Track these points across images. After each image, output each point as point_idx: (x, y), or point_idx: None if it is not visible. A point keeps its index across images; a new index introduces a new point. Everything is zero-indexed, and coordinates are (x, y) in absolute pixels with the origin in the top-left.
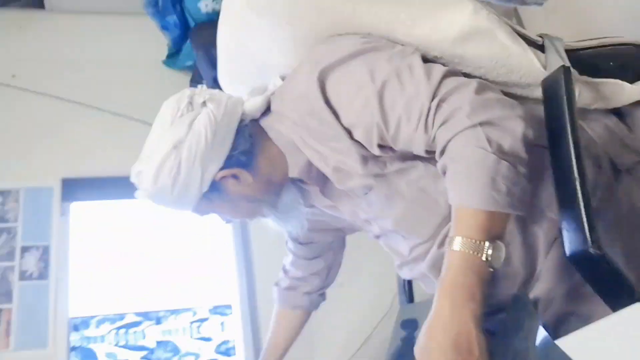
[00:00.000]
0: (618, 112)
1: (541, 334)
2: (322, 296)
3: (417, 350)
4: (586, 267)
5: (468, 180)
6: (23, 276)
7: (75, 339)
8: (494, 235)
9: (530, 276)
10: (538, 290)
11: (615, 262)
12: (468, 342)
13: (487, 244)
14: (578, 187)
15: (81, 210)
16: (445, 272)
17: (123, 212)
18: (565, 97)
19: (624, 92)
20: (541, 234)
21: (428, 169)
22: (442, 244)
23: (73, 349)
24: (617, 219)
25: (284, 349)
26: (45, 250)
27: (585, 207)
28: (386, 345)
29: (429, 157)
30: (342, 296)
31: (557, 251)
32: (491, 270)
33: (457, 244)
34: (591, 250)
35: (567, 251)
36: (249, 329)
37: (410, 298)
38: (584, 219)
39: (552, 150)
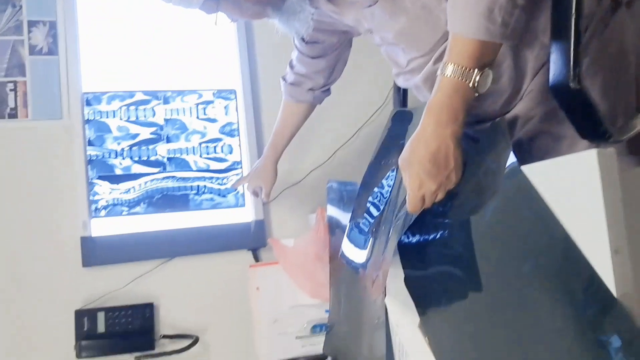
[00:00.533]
0: None
1: (511, 159)
2: (327, 92)
3: (400, 161)
4: (564, 98)
5: (465, 8)
6: (33, 51)
7: (88, 112)
8: (484, 63)
9: (515, 95)
10: (519, 108)
11: (592, 98)
12: (446, 157)
13: (475, 71)
14: (572, 22)
15: None
16: (434, 94)
17: None
18: None
19: None
20: (531, 57)
21: None
22: (438, 60)
23: (87, 121)
24: (604, 52)
25: (289, 136)
26: (52, 26)
27: (575, 42)
28: (377, 136)
29: None
30: (340, 89)
31: (543, 76)
32: (477, 94)
33: (449, 70)
34: (571, 84)
35: (550, 80)
36: (251, 113)
37: (404, 104)
38: (571, 54)
39: None
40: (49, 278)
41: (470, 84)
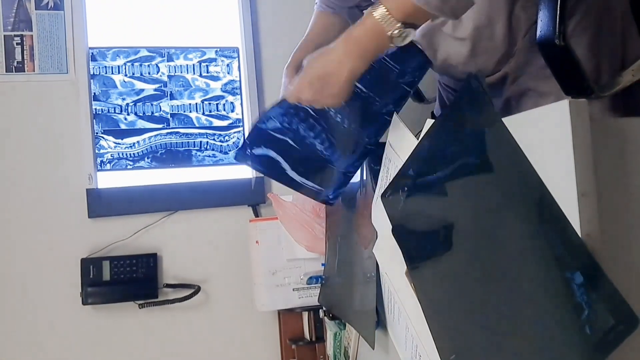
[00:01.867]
0: None
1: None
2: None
3: (306, 59)
4: (550, 54)
5: None
6: (39, 6)
7: (93, 67)
8: (411, 22)
9: (507, 55)
10: (510, 65)
11: (576, 56)
12: (334, 82)
13: (398, 25)
14: None
15: None
16: (356, 25)
17: None
18: None
19: None
20: (524, 16)
21: None
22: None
23: (93, 76)
24: (591, 11)
25: (317, 44)
26: None
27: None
28: None
29: None
30: None
31: (534, 33)
32: (392, 45)
33: (378, 11)
34: (556, 40)
35: (537, 35)
36: (253, 71)
37: None
38: (558, 11)
39: None
40: (56, 228)
41: (389, 34)
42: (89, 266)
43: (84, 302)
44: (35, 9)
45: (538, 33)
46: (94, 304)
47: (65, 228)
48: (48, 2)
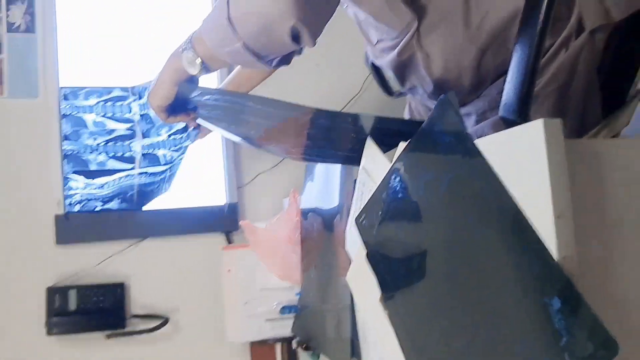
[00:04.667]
0: None
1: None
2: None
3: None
4: (511, 125)
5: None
6: (10, 28)
7: (65, 107)
8: (205, 63)
9: (473, 93)
10: (476, 106)
11: None
12: (163, 88)
13: (192, 56)
14: (531, 61)
15: None
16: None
17: None
18: None
19: None
20: (493, 65)
21: None
22: (402, 52)
23: (64, 116)
24: (558, 75)
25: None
26: (31, 3)
27: (529, 83)
28: None
29: None
30: (318, 75)
31: (500, 86)
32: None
33: (189, 37)
34: (518, 120)
35: (500, 109)
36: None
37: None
38: (524, 92)
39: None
40: (23, 255)
41: (182, 61)
42: (55, 295)
43: (49, 333)
44: (7, 32)
45: (502, 103)
46: (59, 334)
47: (31, 255)
48: (19, 24)
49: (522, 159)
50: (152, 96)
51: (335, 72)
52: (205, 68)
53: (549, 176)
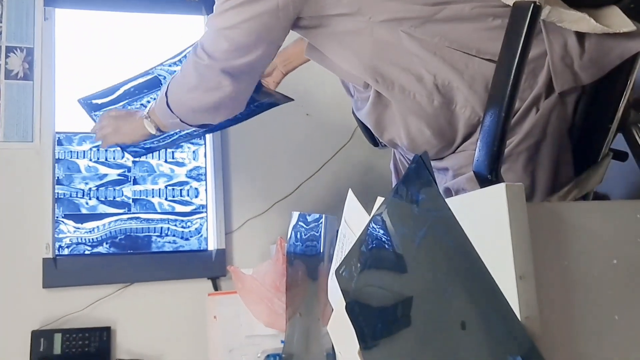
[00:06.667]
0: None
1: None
2: None
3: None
4: (484, 182)
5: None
6: (8, 75)
7: (59, 151)
8: (157, 125)
9: (446, 149)
10: (452, 161)
11: None
12: (129, 137)
13: (147, 120)
14: (501, 123)
15: (68, 18)
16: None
17: (109, 25)
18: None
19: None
20: (463, 119)
21: None
22: (376, 104)
23: (58, 160)
24: (530, 134)
25: None
26: (29, 52)
27: (500, 141)
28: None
29: None
30: (308, 124)
31: (474, 143)
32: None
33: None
34: (489, 177)
35: (474, 164)
36: (220, 158)
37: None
38: (495, 150)
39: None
40: (8, 298)
41: (145, 125)
42: (40, 339)
43: None
44: (5, 79)
45: (475, 159)
46: None
47: (17, 298)
48: (18, 72)
49: (487, 221)
50: (118, 136)
51: (325, 122)
52: (159, 130)
53: (510, 238)
